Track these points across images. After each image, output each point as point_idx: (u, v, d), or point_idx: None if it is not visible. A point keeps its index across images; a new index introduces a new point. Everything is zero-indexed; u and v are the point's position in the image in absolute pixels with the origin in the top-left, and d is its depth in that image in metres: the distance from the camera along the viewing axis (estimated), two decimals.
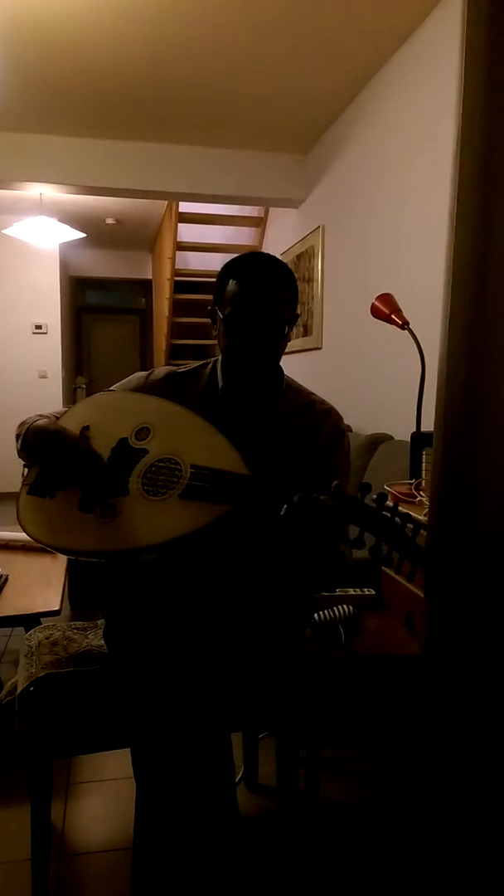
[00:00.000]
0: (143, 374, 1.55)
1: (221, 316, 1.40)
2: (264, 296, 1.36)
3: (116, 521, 1.29)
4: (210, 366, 1.53)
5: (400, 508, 1.17)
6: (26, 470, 1.45)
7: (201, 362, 1.55)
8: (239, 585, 1.37)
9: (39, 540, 1.35)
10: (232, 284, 1.38)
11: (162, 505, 1.28)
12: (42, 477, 1.40)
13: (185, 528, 1.23)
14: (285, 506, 1.16)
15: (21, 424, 1.44)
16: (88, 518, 1.32)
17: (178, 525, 1.24)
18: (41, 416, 1.48)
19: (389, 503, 1.16)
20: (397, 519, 1.15)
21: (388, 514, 1.15)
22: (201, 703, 1.23)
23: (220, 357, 1.50)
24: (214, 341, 1.49)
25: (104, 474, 1.34)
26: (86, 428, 1.42)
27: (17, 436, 1.42)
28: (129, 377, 1.56)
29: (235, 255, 1.45)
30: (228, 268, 1.40)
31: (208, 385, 1.50)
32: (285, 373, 1.52)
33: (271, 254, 1.50)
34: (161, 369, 1.55)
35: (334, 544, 1.26)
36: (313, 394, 1.53)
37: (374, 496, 1.17)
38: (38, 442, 1.38)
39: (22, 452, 1.42)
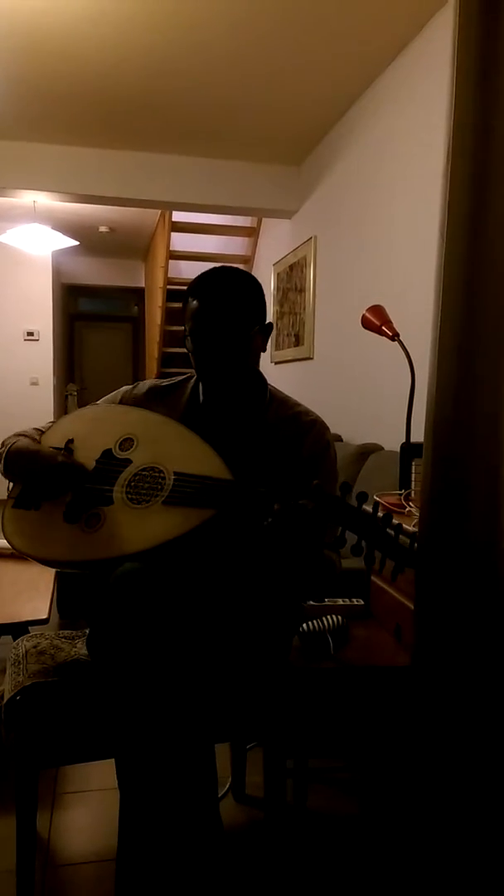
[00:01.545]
0: (127, 387, 1.57)
1: (187, 334, 1.41)
2: (220, 310, 1.37)
3: (102, 530, 1.29)
4: (193, 379, 1.53)
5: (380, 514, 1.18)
6: (11, 484, 1.46)
7: (185, 376, 1.56)
8: (224, 593, 1.38)
9: (25, 552, 1.35)
10: (191, 302, 1.39)
11: (146, 512, 1.28)
12: (25, 492, 1.42)
13: (169, 533, 1.24)
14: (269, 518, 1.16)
15: (2, 445, 1.46)
16: (74, 528, 1.32)
17: (163, 531, 1.24)
18: (21, 434, 1.49)
19: (368, 507, 1.17)
20: (380, 519, 1.16)
21: (370, 512, 1.15)
22: (185, 713, 1.22)
23: None
24: None
25: (85, 485, 1.35)
26: (70, 441, 1.43)
27: None
28: (114, 392, 1.58)
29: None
30: (190, 287, 1.41)
31: (191, 398, 1.50)
32: (275, 384, 1.53)
33: (239, 267, 1.50)
34: (144, 383, 1.56)
35: (316, 546, 1.26)
36: (299, 404, 1.52)
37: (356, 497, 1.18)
38: (16, 462, 1.41)
39: (5, 474, 1.44)
